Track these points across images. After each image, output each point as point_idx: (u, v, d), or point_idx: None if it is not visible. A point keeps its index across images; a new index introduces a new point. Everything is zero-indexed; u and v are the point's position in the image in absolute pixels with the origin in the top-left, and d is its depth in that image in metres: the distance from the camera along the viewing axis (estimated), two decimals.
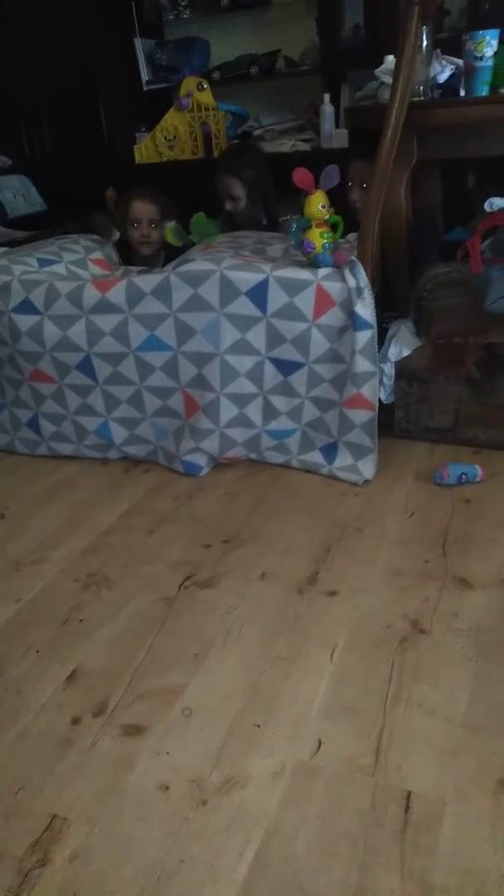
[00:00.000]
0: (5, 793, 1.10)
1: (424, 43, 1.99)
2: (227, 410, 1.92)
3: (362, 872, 0.95)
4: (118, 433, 2.04)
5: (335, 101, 3.19)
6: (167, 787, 1.09)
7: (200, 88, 3.25)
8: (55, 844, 1.02)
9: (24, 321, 1.94)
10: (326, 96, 3.16)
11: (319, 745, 1.14)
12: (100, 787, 1.10)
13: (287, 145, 3.22)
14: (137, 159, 3.43)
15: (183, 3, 3.65)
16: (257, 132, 3.38)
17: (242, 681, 1.28)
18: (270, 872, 0.96)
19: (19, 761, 1.16)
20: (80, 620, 1.46)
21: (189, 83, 3.26)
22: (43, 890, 0.96)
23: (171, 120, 3.33)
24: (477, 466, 1.82)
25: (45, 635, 1.43)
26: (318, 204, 1.80)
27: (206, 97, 3.26)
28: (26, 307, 1.94)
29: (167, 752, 1.15)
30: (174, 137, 3.35)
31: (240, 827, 1.02)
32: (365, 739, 1.14)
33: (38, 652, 1.39)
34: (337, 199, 1.86)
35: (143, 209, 2.42)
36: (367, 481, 1.87)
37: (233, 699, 1.24)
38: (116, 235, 2.34)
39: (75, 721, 1.22)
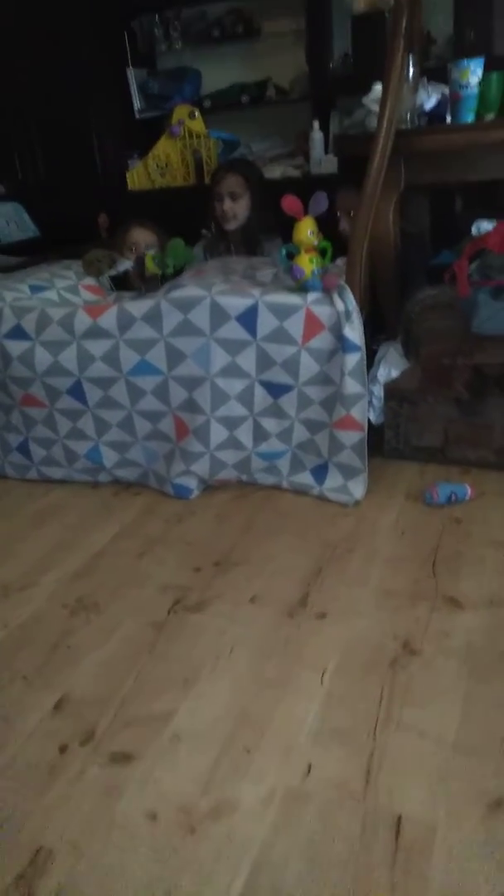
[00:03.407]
0: None
1: (411, 71, 2.04)
2: (218, 433, 1.92)
3: None
4: (109, 457, 2.04)
5: (325, 128, 3.24)
6: (155, 816, 1.08)
7: (192, 117, 3.30)
8: (40, 878, 1.00)
9: (16, 347, 1.95)
10: (316, 123, 3.21)
11: (310, 769, 1.13)
12: (87, 816, 1.09)
13: (277, 171, 3.26)
14: (130, 186, 3.47)
15: (175, 34, 3.72)
16: (248, 159, 3.43)
17: (232, 705, 1.27)
18: None
19: (5, 792, 1.14)
20: (69, 646, 1.45)
21: (181, 111, 3.32)
22: None
23: (163, 147, 3.38)
24: (466, 486, 1.82)
25: (33, 662, 1.42)
26: (306, 230, 1.82)
27: (198, 125, 3.31)
28: (18, 333, 1.95)
29: (155, 780, 1.14)
30: (166, 165, 3.39)
31: (228, 856, 1.01)
32: (355, 763, 1.13)
33: (25, 678, 1.37)
34: (325, 225, 1.88)
35: (141, 235, 2.46)
36: (357, 502, 1.87)
37: (222, 724, 1.23)
38: (125, 265, 2.32)
39: (62, 749, 1.21)
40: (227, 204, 2.58)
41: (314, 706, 1.25)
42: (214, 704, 1.27)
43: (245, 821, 1.06)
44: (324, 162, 3.20)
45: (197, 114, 3.31)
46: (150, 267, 2.19)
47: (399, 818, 1.04)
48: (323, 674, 1.32)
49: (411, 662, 1.32)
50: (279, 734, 1.20)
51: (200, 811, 1.08)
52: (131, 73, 3.68)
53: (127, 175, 3.46)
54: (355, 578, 1.58)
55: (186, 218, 2.64)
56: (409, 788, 1.08)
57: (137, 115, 3.69)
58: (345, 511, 1.86)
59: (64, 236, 3.05)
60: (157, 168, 3.40)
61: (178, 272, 2.20)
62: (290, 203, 1.82)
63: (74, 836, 1.06)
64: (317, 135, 3.21)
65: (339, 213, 2.39)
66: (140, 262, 2.27)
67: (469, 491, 1.81)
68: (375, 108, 2.15)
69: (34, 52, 3.37)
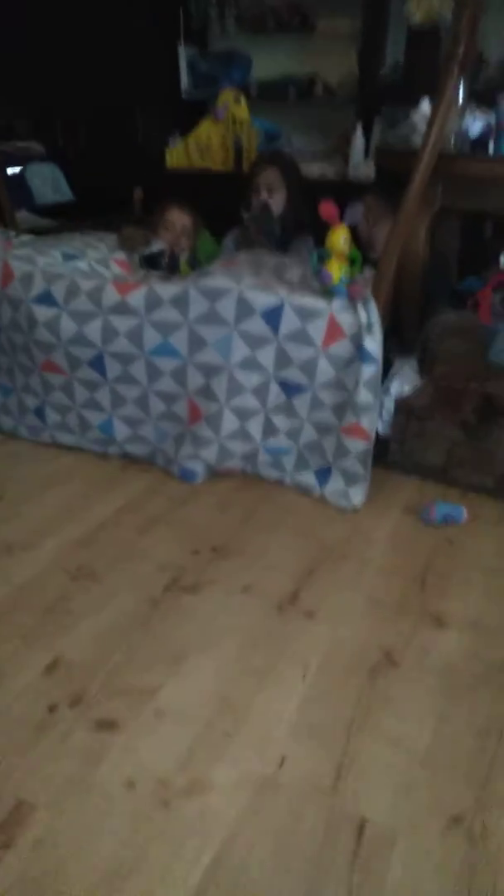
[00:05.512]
0: None
1: (461, 94, 2.06)
2: (229, 422, 1.96)
3: (312, 890, 0.99)
4: (121, 430, 2.08)
5: (367, 133, 3.26)
6: (133, 785, 1.13)
7: (237, 101, 3.30)
8: (20, 828, 1.06)
9: (43, 312, 1.98)
10: (359, 127, 3.23)
11: (283, 761, 1.19)
12: (68, 776, 1.14)
13: (315, 170, 3.27)
14: (168, 163, 3.47)
15: (229, 17, 3.72)
16: (287, 152, 3.44)
17: (216, 689, 1.32)
18: (223, 881, 1.00)
19: None
20: (66, 611, 1.50)
21: (227, 95, 3.32)
22: (4, 873, 0.99)
23: (206, 129, 3.38)
24: (463, 508, 1.88)
25: (31, 621, 1.47)
26: (340, 237, 1.86)
27: (242, 111, 3.31)
28: (46, 299, 1.97)
29: (136, 751, 1.19)
30: (206, 147, 3.40)
31: (198, 832, 1.06)
32: (327, 761, 1.19)
33: (22, 636, 1.42)
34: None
35: (177, 216, 2.48)
36: (355, 509, 1.92)
37: (204, 706, 1.28)
38: (158, 246, 2.35)
39: (51, 709, 1.26)
40: (264, 196, 2.59)
41: (293, 701, 1.30)
42: (199, 686, 1.33)
43: (217, 801, 1.11)
44: (361, 166, 3.22)
45: (243, 100, 3.31)
46: (185, 271, 2.24)
47: (363, 821, 1.09)
48: (305, 671, 1.37)
49: (391, 673, 1.38)
50: (257, 723, 1.26)
51: (176, 786, 1.13)
52: (182, 50, 3.67)
53: (167, 152, 3.46)
54: (346, 583, 1.63)
55: (220, 201, 2.66)
56: (375, 793, 1.14)
57: (183, 95, 3.68)
58: (343, 516, 1.91)
59: (98, 205, 3.06)
60: (197, 149, 3.40)
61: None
62: (327, 209, 1.85)
63: (55, 793, 1.11)
64: (358, 139, 3.22)
65: (361, 215, 2.41)
66: (172, 258, 2.31)
67: (465, 514, 1.86)
68: (422, 125, 2.18)
69: (86, 18, 3.34)
